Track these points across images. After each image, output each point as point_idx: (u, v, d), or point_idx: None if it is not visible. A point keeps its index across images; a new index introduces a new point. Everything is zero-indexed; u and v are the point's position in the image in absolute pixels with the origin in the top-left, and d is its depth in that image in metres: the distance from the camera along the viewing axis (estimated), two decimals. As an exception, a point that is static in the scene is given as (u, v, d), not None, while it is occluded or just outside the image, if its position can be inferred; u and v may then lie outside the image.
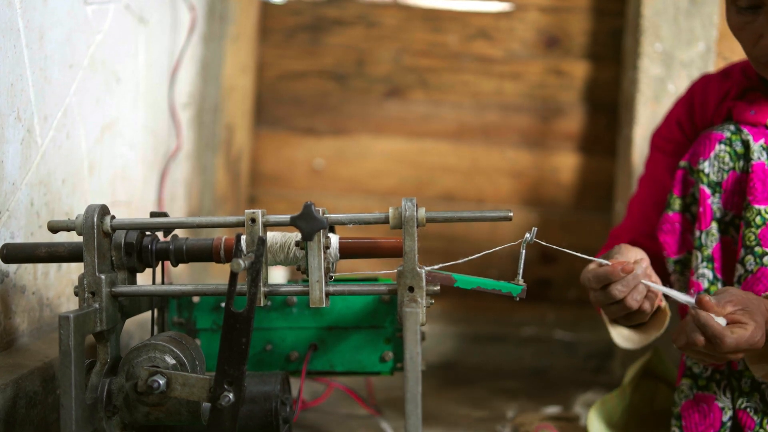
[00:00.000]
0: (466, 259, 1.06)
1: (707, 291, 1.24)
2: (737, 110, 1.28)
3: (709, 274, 1.24)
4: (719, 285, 1.25)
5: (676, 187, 1.31)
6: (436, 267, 1.04)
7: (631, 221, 1.49)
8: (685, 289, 1.29)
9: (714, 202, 1.25)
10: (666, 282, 1.34)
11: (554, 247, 1.11)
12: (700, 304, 1.07)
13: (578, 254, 1.11)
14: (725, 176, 1.25)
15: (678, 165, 1.32)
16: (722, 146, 1.25)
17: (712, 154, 1.25)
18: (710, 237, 1.25)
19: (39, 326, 1.26)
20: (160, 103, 1.82)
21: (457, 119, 2.23)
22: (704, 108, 1.39)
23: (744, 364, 1.19)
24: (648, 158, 1.53)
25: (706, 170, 1.25)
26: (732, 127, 1.26)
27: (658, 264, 1.39)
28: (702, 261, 1.25)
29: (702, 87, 1.43)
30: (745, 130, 1.24)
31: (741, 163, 1.24)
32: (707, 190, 1.25)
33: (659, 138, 1.49)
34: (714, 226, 1.25)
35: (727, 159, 1.24)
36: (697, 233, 1.26)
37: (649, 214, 1.43)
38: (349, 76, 2.25)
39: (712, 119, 1.37)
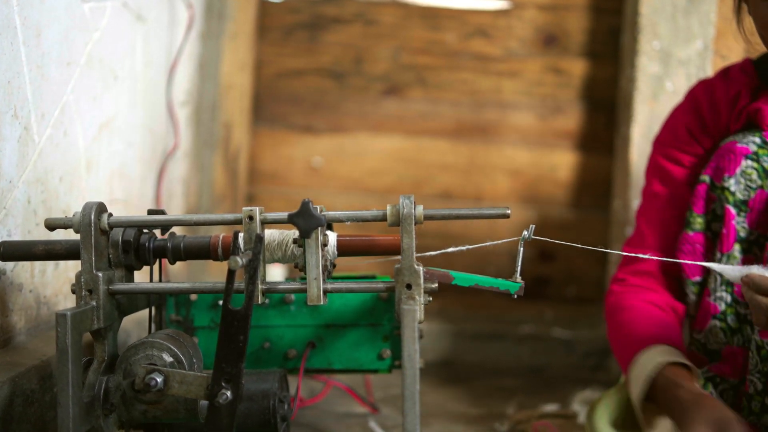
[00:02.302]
0: (463, 248, 1.06)
1: (723, 314, 1.20)
2: (765, 116, 1.19)
3: (728, 297, 1.19)
4: (737, 308, 1.19)
5: (696, 205, 1.23)
6: (433, 253, 1.05)
7: (654, 239, 1.35)
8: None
9: (738, 222, 1.19)
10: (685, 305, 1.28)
11: (551, 240, 1.11)
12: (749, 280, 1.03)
13: (576, 245, 1.10)
14: (752, 194, 1.17)
15: (698, 179, 1.24)
16: (749, 162, 1.17)
17: (738, 171, 1.18)
18: (732, 260, 1.18)
19: (36, 324, 1.26)
20: (157, 101, 1.82)
21: (455, 117, 2.23)
22: (715, 113, 1.31)
23: (755, 389, 1.16)
24: (653, 169, 1.41)
25: (732, 188, 1.18)
26: (758, 140, 1.18)
27: (678, 284, 1.31)
28: (721, 284, 1.19)
29: (706, 91, 1.34)
30: None
31: None
32: (732, 210, 1.18)
33: (669, 148, 1.37)
34: (736, 248, 1.18)
35: (754, 176, 1.17)
36: (719, 255, 1.20)
37: (671, 228, 1.32)
38: (348, 74, 2.25)
39: (728, 124, 1.29)
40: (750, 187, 1.18)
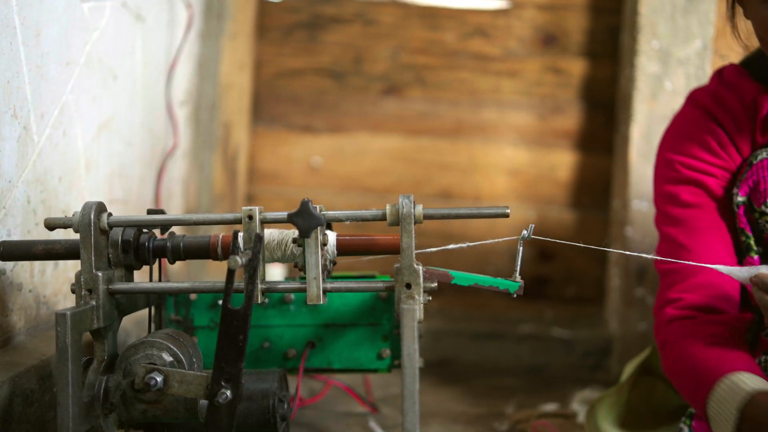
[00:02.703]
0: (464, 245, 1.06)
1: None
2: None
3: None
4: None
5: (747, 226, 1.16)
6: (432, 250, 1.05)
7: (710, 248, 1.21)
8: None
9: None
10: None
11: (550, 239, 1.11)
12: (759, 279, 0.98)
13: (575, 243, 1.10)
14: None
15: (735, 200, 1.17)
16: None
17: None
18: None
19: (36, 324, 1.26)
20: (157, 101, 1.81)
21: (454, 117, 2.23)
22: (735, 122, 1.23)
23: None
24: (678, 180, 1.27)
25: None
26: None
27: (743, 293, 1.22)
28: None
29: (714, 99, 1.25)
30: None
31: None
32: None
33: (693, 159, 1.24)
34: None
35: None
36: None
37: (728, 242, 1.22)
38: (347, 73, 2.25)
39: (752, 134, 1.21)
40: None
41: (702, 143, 1.24)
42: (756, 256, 1.17)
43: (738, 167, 1.22)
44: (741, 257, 1.20)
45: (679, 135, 1.29)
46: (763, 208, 1.14)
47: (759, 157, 1.17)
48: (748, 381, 1.00)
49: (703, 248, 1.20)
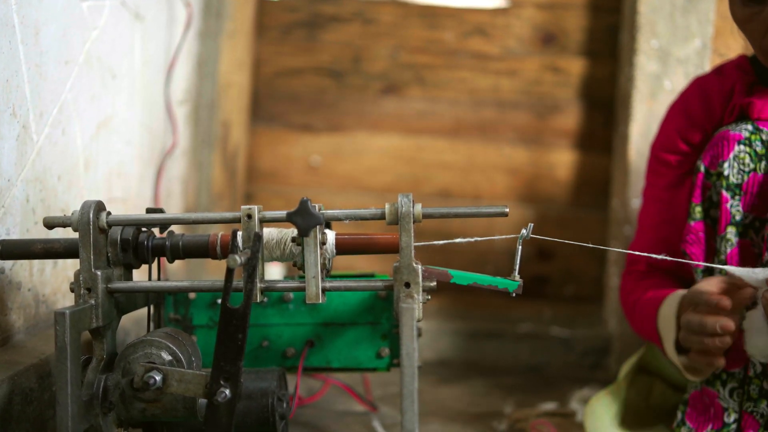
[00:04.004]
0: (455, 240, 1.06)
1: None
2: (755, 108, 1.24)
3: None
4: None
5: (694, 194, 1.26)
6: (426, 243, 1.05)
7: (644, 242, 1.45)
8: None
9: (733, 206, 1.21)
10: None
11: (549, 239, 1.11)
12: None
13: (574, 243, 1.11)
14: (746, 178, 1.20)
15: (696, 168, 1.27)
16: (741, 147, 1.20)
17: (731, 155, 1.21)
18: (725, 242, 1.21)
19: (35, 323, 1.26)
20: (156, 100, 1.81)
21: (453, 116, 2.23)
22: (708, 109, 1.35)
23: (755, 371, 1.19)
24: (649, 172, 1.48)
25: (726, 172, 1.21)
26: (750, 127, 1.21)
27: (678, 280, 1.37)
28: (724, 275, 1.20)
29: (699, 90, 1.39)
30: (766, 129, 1.20)
31: (763, 164, 1.19)
32: (726, 194, 1.21)
33: (662, 151, 1.43)
34: (730, 230, 1.21)
35: (747, 160, 1.20)
36: (717, 239, 1.23)
37: (661, 232, 1.40)
38: (346, 72, 2.25)
39: (722, 118, 1.33)
40: (743, 170, 1.21)
41: (669, 133, 1.42)
42: (693, 222, 1.26)
43: (696, 147, 1.37)
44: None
45: (660, 126, 1.47)
46: (717, 169, 1.23)
47: (718, 131, 1.27)
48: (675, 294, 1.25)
49: (644, 241, 1.45)
